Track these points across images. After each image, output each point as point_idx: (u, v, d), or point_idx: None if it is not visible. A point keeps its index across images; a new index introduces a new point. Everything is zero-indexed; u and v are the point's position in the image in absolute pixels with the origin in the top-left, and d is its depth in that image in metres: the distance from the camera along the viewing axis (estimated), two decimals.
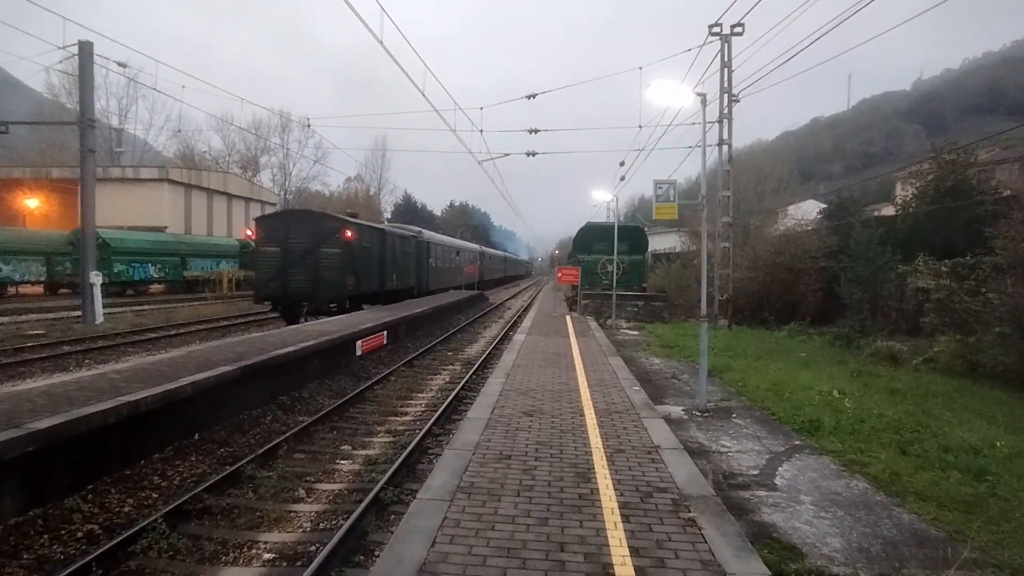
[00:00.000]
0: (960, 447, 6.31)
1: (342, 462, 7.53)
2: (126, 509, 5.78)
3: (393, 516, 5.83)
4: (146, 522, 5.27)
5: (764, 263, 22.41)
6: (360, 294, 20.07)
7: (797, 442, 6.83)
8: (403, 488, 6.49)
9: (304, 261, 18.53)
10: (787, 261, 21.81)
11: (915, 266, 14.06)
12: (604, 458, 5.25)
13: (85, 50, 17.92)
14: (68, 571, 4.45)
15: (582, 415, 6.80)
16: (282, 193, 68.42)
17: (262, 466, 7.07)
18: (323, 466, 7.35)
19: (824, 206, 34.80)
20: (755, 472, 5.84)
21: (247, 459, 7.08)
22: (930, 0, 10.51)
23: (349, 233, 19.11)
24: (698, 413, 8.15)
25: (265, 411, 9.33)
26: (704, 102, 8.18)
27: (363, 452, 7.91)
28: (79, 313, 18.77)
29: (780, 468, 5.94)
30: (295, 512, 5.99)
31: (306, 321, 17.56)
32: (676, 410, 8.36)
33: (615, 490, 4.51)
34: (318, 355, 11.69)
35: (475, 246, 49.71)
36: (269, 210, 55.40)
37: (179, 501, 5.78)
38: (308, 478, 6.94)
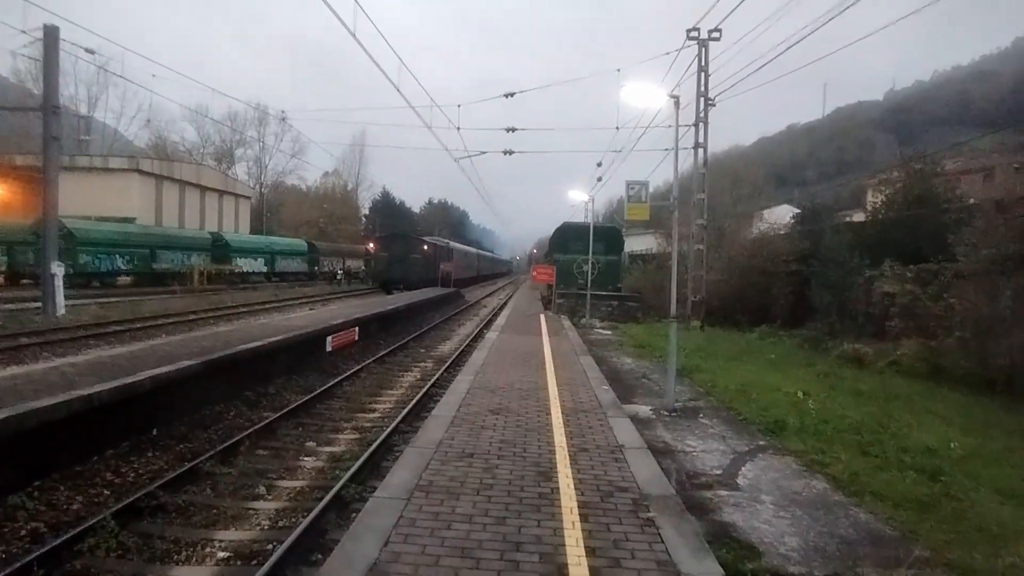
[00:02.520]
0: (918, 448, 6.43)
1: (306, 459, 7.39)
2: (75, 507, 5.58)
3: (354, 514, 5.71)
4: (95, 520, 5.09)
5: (738, 266, 22.65)
6: (425, 280, 33.90)
7: (762, 442, 6.88)
8: (366, 486, 6.37)
9: (401, 262, 34.70)
10: (760, 264, 22.06)
11: (882, 271, 14.33)
12: (567, 457, 5.21)
13: (50, 35, 17.35)
14: (7, 571, 4.26)
15: (549, 414, 6.77)
16: (257, 187, 67.35)
17: (222, 462, 6.90)
18: (286, 463, 7.21)
19: (798, 211, 35.33)
20: (718, 472, 5.86)
21: (207, 455, 6.90)
22: (902, 10, 10.70)
23: (425, 247, 36.71)
24: (666, 413, 8.18)
25: (229, 406, 9.12)
26: (677, 104, 8.21)
27: (328, 449, 7.78)
28: (40, 304, 18.18)
29: (743, 468, 5.97)
30: (254, 510, 5.85)
31: (399, 293, 30.01)
32: (644, 409, 8.37)
33: (576, 489, 4.47)
34: (286, 350, 11.49)
35: (474, 250, 62.76)
36: (243, 203, 54.97)
37: (131, 498, 5.61)
38: (270, 475, 6.80)
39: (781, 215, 33.38)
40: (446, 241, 44.61)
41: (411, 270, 34.34)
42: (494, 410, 6.86)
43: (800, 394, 8.61)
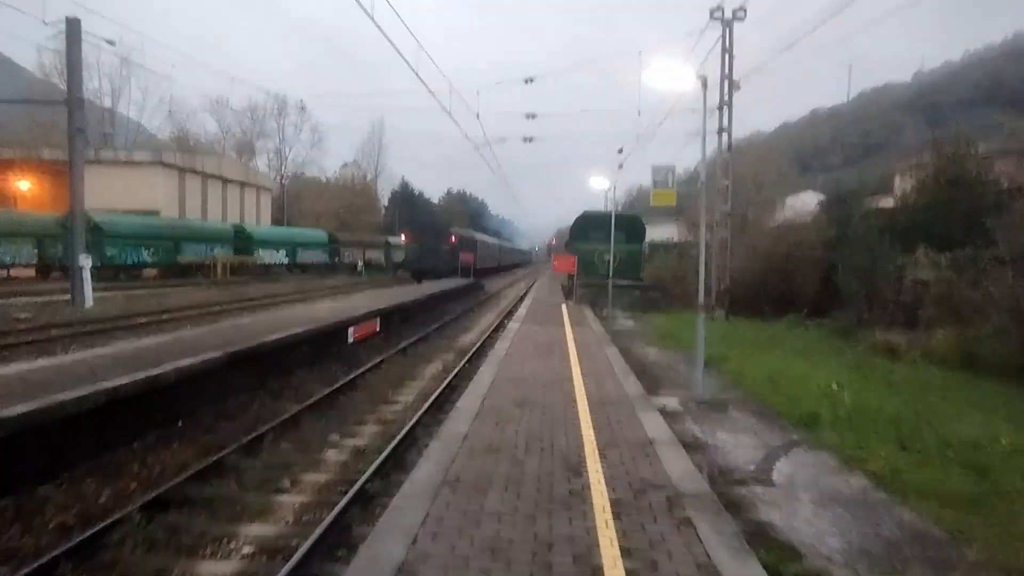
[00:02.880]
0: (961, 442, 6.16)
1: (329, 451, 7.36)
2: (102, 499, 5.58)
3: (379, 509, 5.66)
4: (122, 513, 5.09)
5: (762, 253, 22.19)
6: (452, 269, 35.76)
7: (794, 436, 6.67)
8: (390, 480, 6.32)
9: (431, 252, 36.71)
10: (785, 251, 21.60)
11: (915, 258, 13.89)
12: (596, 452, 5.07)
13: (72, 27, 17.51)
14: (36, 564, 4.26)
15: (575, 406, 6.63)
16: (278, 178, 67.82)
17: (247, 455, 6.89)
18: (310, 456, 7.17)
19: (822, 197, 34.56)
20: (752, 467, 5.68)
21: (231, 448, 6.90)
22: None
23: (453, 239, 38.78)
24: (694, 405, 8.00)
25: (253, 398, 9.13)
26: (705, 84, 7.95)
27: (351, 441, 7.74)
28: (70, 297, 18.49)
29: (778, 463, 5.78)
30: (278, 504, 5.81)
31: (429, 282, 30.95)
32: (672, 402, 8.20)
33: (607, 486, 4.33)
34: (308, 342, 11.49)
35: (495, 240, 64.59)
36: (264, 195, 55.51)
37: (158, 491, 5.60)
38: (294, 468, 6.75)
39: (805, 202, 32.66)
40: (471, 233, 47.09)
41: (440, 260, 36.56)
42: (519, 402, 6.74)
43: (835, 386, 8.34)
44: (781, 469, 5.62)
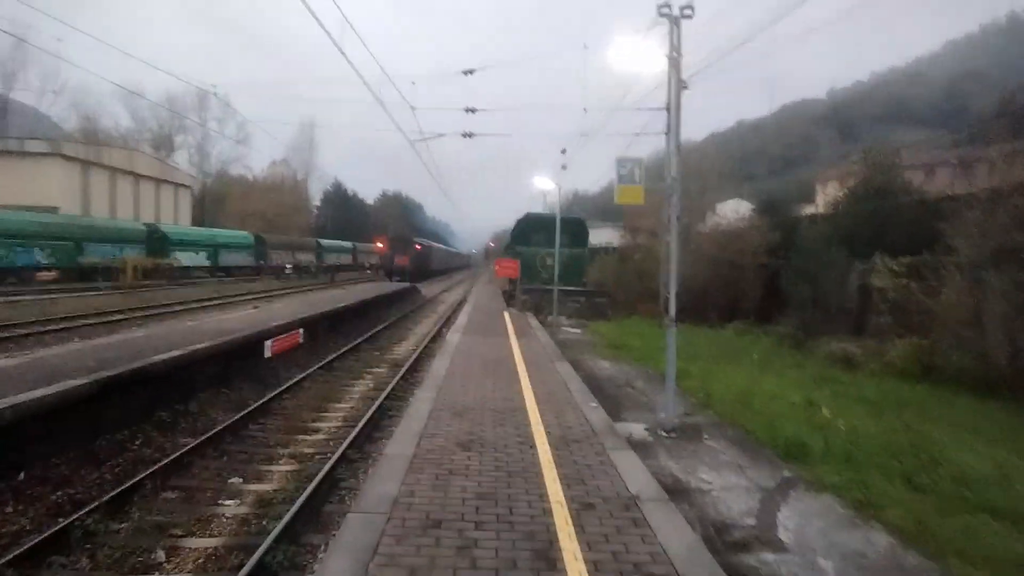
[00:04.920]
0: (976, 478, 5.37)
1: (227, 503, 5.89)
2: None
3: None
4: None
5: (706, 259, 21.83)
6: (417, 271, 42.67)
7: (787, 473, 5.72)
8: (300, 544, 4.96)
9: (402, 257, 42.77)
10: (729, 257, 21.32)
11: (871, 263, 13.56)
12: (569, 520, 3.85)
13: None
14: None
15: (533, 447, 5.39)
16: (200, 176, 63.49)
17: (111, 515, 5.33)
18: (200, 510, 5.69)
19: (751, 206, 35.07)
20: (751, 521, 4.65)
21: (90, 506, 5.31)
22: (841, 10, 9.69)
23: (419, 247, 45.20)
24: (664, 433, 6.96)
25: (135, 433, 7.46)
26: (674, 63, 7.00)
27: (256, 487, 6.29)
28: None
29: (779, 513, 4.78)
30: None
31: (398, 281, 37.97)
32: (638, 428, 7.15)
33: None
34: (214, 359, 9.84)
35: (443, 247, 71.77)
36: (183, 193, 51.97)
37: None
38: (175, 530, 5.28)
39: (737, 209, 32.95)
40: (429, 242, 55.11)
41: (410, 264, 43.25)
42: (464, 443, 5.45)
43: (825, 412, 7.50)
44: (786, 523, 4.61)
